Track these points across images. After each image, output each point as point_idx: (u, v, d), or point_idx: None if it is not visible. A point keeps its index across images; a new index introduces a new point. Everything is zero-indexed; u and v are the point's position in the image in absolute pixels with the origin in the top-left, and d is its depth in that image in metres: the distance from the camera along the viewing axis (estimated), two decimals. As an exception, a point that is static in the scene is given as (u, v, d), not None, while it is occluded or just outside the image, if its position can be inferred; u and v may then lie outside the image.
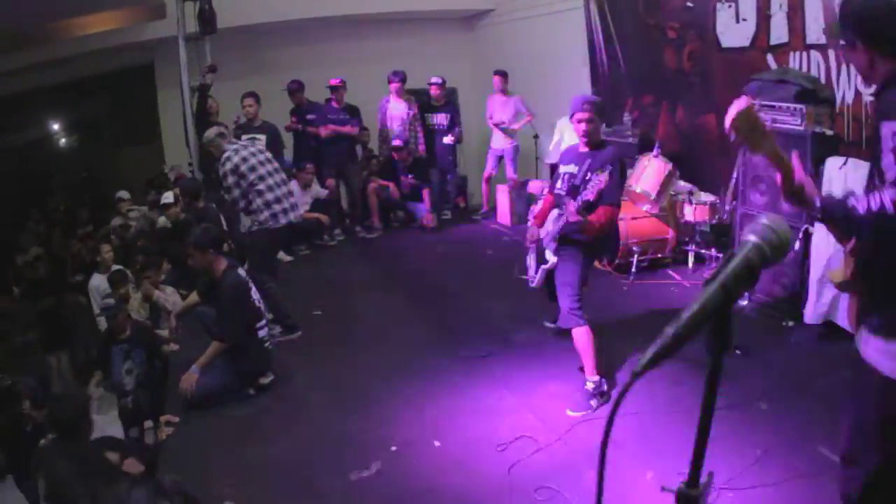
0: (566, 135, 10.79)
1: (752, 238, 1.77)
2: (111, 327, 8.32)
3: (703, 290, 1.73)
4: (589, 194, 5.77)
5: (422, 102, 13.64)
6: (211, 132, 8.44)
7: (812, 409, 5.77)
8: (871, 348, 3.06)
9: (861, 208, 2.72)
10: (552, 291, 6.58)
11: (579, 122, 6.27)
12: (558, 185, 6.43)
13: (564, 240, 6.24)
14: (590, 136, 6.27)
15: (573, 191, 6.15)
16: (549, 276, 6.51)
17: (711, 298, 1.71)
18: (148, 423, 7.97)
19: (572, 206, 5.84)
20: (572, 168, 6.33)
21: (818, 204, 2.88)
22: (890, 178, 2.71)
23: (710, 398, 1.87)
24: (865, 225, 2.74)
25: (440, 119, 13.48)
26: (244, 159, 8.13)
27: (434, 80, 13.42)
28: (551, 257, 6.34)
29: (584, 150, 6.34)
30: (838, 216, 2.87)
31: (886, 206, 2.66)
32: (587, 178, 6.04)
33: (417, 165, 13.22)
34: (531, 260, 6.90)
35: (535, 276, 6.77)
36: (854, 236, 3.05)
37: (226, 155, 8.16)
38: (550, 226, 6.41)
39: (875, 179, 2.95)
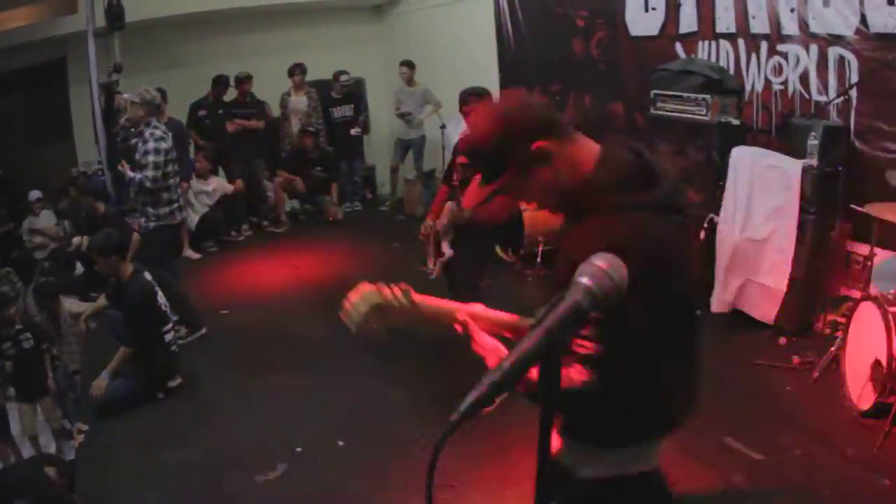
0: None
1: (585, 281, 1.68)
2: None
3: (527, 337, 1.70)
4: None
5: (324, 96, 13.72)
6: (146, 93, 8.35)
7: (718, 400, 5.81)
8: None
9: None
10: (451, 283, 6.62)
11: (468, 114, 6.31)
12: (454, 176, 6.47)
13: (460, 231, 6.28)
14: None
15: (465, 183, 6.14)
16: (447, 267, 6.54)
17: (534, 346, 1.67)
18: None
19: (466, 199, 5.87)
20: (465, 159, 6.34)
21: None
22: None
23: (544, 443, 1.85)
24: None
25: (344, 111, 13.58)
26: (170, 148, 8.22)
27: (342, 77, 13.60)
28: (447, 249, 6.38)
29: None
30: None
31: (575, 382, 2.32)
32: None
33: (324, 158, 13.25)
34: (429, 251, 6.93)
35: (433, 269, 6.80)
36: None
37: (157, 132, 8.16)
38: (445, 218, 6.43)
39: None
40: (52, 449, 9.16)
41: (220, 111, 12.59)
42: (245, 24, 15.03)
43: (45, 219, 12.89)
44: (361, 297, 2.69)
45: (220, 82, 12.73)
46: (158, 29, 13.97)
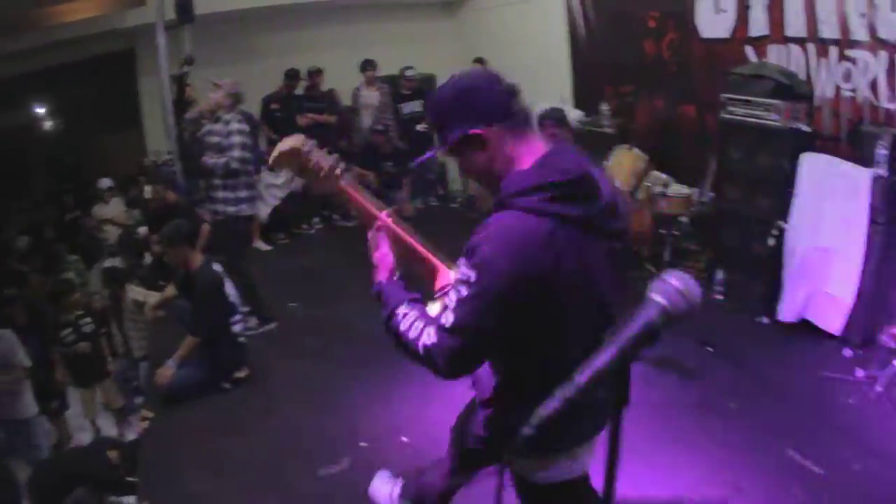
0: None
1: (659, 299, 1.74)
2: (6, 314, 8.80)
3: (600, 352, 1.71)
4: None
5: (394, 92, 13.68)
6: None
7: (783, 411, 5.77)
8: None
9: (404, 324, 2.71)
10: None
11: (545, 137, 6.27)
12: None
13: None
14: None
15: None
16: None
17: (607, 363, 1.70)
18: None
19: None
20: None
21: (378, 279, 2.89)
22: (441, 320, 2.61)
23: (614, 452, 1.86)
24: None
25: (414, 107, 13.50)
26: (249, 139, 8.40)
27: (407, 72, 13.54)
28: None
29: None
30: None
31: (430, 344, 2.60)
32: None
33: (396, 154, 13.17)
34: None
35: None
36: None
37: (238, 117, 8.34)
38: None
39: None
40: (113, 431, 9.33)
41: (292, 105, 12.60)
42: (315, 18, 15.06)
43: (115, 207, 13.01)
44: (290, 138, 2.94)
45: (292, 76, 12.73)
46: (228, 22, 14.04)
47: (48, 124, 19.45)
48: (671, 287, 1.72)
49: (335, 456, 5.83)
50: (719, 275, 8.04)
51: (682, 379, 6.36)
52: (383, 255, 2.88)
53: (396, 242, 3.06)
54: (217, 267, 7.25)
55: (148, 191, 10.26)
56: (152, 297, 8.73)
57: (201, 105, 8.34)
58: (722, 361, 6.57)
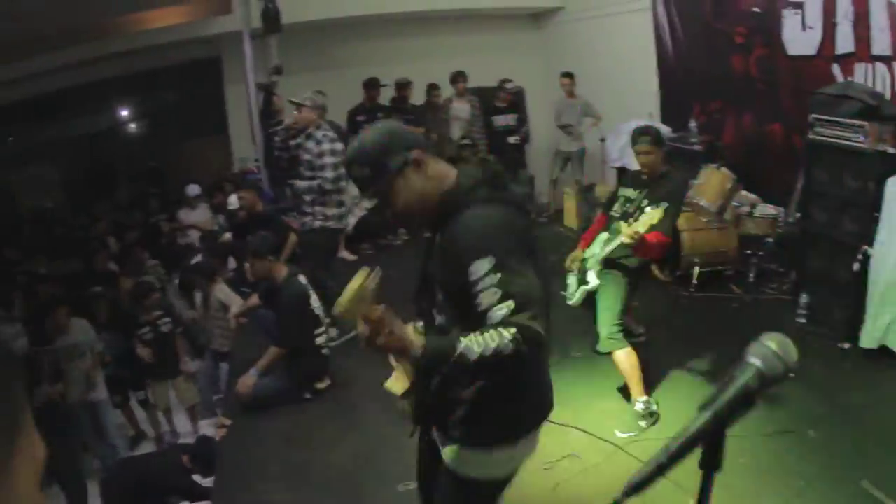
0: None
1: (755, 362, 1.72)
2: (91, 310, 9.20)
3: (696, 417, 1.70)
4: (640, 227, 5.68)
5: (487, 104, 13.61)
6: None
7: (860, 440, 5.62)
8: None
9: (476, 347, 2.65)
10: (595, 314, 6.52)
11: (639, 154, 6.22)
12: (615, 207, 6.37)
13: (610, 263, 6.17)
14: (651, 168, 6.20)
15: (625, 216, 6.05)
16: (591, 296, 6.41)
17: (702, 428, 1.69)
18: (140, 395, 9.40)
19: (628, 231, 5.76)
20: (631, 192, 6.26)
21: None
22: (498, 312, 2.72)
23: None
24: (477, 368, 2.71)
25: (508, 120, 13.42)
26: (342, 149, 8.16)
27: (508, 84, 13.43)
28: (593, 279, 6.25)
29: (644, 177, 6.28)
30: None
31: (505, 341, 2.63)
32: (643, 205, 5.97)
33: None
34: (571, 278, 6.79)
35: (573, 293, 6.67)
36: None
37: (330, 133, 8.31)
38: (598, 248, 6.30)
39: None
40: (187, 426, 9.51)
41: (379, 115, 12.61)
42: (401, 29, 15.13)
43: (201, 213, 13.16)
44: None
45: (371, 85, 12.68)
46: (315, 31, 14.16)
47: (134, 128, 19.74)
48: (768, 350, 1.71)
49: (414, 472, 5.83)
50: (803, 298, 7.90)
51: (763, 402, 6.26)
52: (399, 338, 2.76)
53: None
54: (303, 279, 7.29)
55: (234, 200, 10.34)
56: (236, 303, 8.82)
57: (289, 121, 8.35)
58: (802, 387, 6.45)
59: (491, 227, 2.86)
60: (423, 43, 15.24)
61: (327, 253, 8.59)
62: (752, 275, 8.86)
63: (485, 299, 2.72)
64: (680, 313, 8.61)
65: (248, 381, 7.11)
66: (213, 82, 15.71)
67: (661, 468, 1.70)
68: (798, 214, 8.37)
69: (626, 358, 6.14)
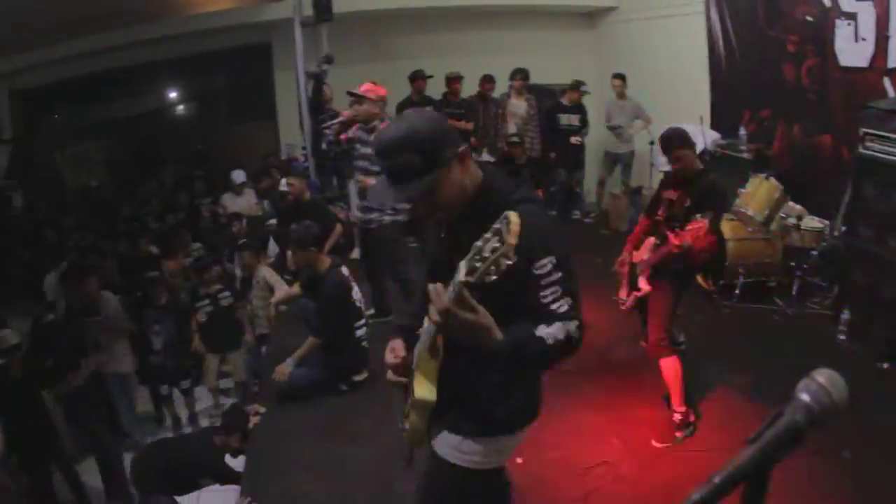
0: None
1: (804, 398, 1.64)
2: (148, 293, 9.18)
3: (740, 454, 1.67)
4: (688, 236, 5.64)
5: (553, 102, 13.62)
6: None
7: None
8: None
9: (550, 339, 2.74)
10: (645, 316, 6.50)
11: (670, 162, 6.19)
12: (659, 211, 6.33)
13: (659, 268, 6.14)
14: (684, 170, 6.16)
15: (671, 221, 6.03)
16: (642, 301, 6.40)
17: (747, 465, 1.65)
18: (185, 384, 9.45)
19: (676, 240, 5.73)
20: (672, 195, 6.21)
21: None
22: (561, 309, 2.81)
23: None
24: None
25: (572, 120, 13.30)
26: None
27: (582, 87, 13.33)
28: (644, 285, 6.24)
29: (682, 177, 6.24)
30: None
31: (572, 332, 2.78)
32: (686, 206, 5.93)
33: (530, 165, 13.00)
34: (624, 282, 6.78)
35: (625, 299, 6.66)
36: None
37: None
38: (646, 254, 6.28)
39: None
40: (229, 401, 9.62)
41: (427, 108, 12.54)
42: (452, 23, 15.12)
43: (246, 199, 13.18)
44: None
45: (417, 77, 12.63)
46: (367, 22, 14.20)
47: (182, 111, 19.84)
48: (818, 386, 1.67)
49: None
50: (845, 314, 7.81)
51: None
52: (478, 318, 2.67)
53: None
54: (345, 271, 7.29)
55: (283, 184, 10.36)
56: (279, 287, 8.87)
57: (349, 114, 8.09)
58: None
59: (547, 227, 2.93)
60: (474, 38, 15.25)
61: (394, 246, 8.44)
62: (795, 288, 8.78)
63: (551, 295, 2.80)
64: (722, 323, 8.56)
65: (284, 369, 7.12)
66: (262, 68, 15.79)
67: (703, 502, 1.68)
68: (843, 229, 8.30)
69: (671, 366, 6.11)
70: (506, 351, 2.74)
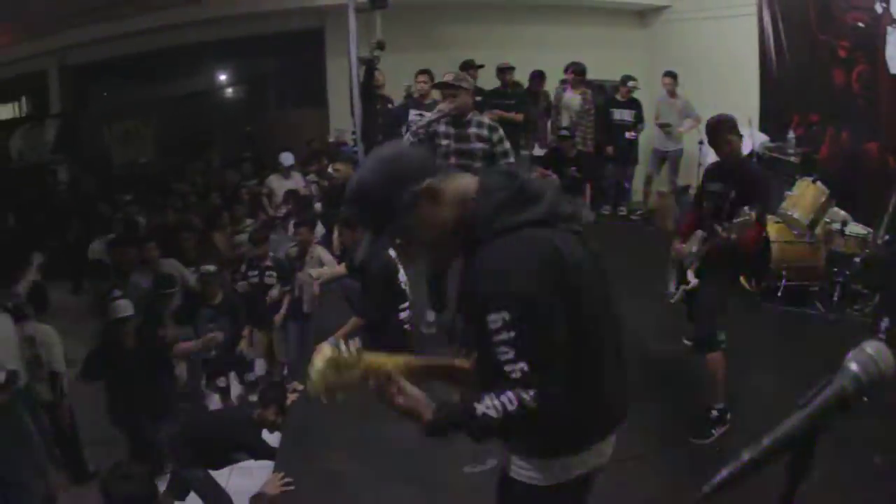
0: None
1: (853, 367, 1.72)
2: (204, 291, 9.13)
3: (790, 418, 1.71)
4: (734, 230, 5.65)
5: (607, 97, 13.67)
6: None
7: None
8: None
9: (493, 412, 2.56)
10: (691, 311, 6.52)
11: (717, 147, 6.21)
12: (704, 204, 6.35)
13: (708, 261, 6.16)
14: (730, 159, 6.19)
15: (717, 212, 6.06)
16: (689, 295, 6.42)
17: (796, 429, 1.70)
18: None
19: (723, 235, 5.74)
20: (717, 186, 6.23)
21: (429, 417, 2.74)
22: (513, 375, 2.55)
23: None
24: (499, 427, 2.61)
25: (624, 115, 13.29)
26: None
27: (630, 82, 13.31)
28: (692, 278, 6.26)
29: (726, 168, 6.27)
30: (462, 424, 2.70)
31: (526, 403, 2.53)
32: (731, 198, 5.96)
33: (581, 159, 12.90)
34: (672, 275, 6.80)
35: (673, 292, 6.68)
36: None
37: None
38: (695, 247, 6.30)
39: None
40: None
41: (478, 98, 12.49)
42: (504, 15, 15.19)
43: (294, 182, 13.23)
44: (319, 355, 2.74)
45: (468, 67, 12.45)
46: (420, 10, 14.25)
47: (232, 93, 19.97)
48: (866, 356, 1.72)
49: (484, 455, 5.84)
50: (884, 322, 7.78)
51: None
52: (415, 398, 2.80)
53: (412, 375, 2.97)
54: (392, 253, 7.34)
55: (331, 168, 10.41)
56: (330, 265, 8.94)
57: (447, 107, 7.56)
58: (874, 410, 6.36)
59: (510, 272, 2.59)
60: (525, 32, 15.30)
61: None
62: (836, 293, 8.75)
63: (499, 356, 2.56)
64: (762, 325, 8.54)
65: (326, 348, 7.10)
66: (314, 54, 15.88)
67: (752, 464, 1.72)
68: (887, 237, 8.27)
69: (718, 360, 6.10)
70: (441, 429, 2.72)
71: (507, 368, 2.54)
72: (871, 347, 1.74)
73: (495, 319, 2.53)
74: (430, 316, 8.00)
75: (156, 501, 4.71)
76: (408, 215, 2.69)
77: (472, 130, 7.28)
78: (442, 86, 7.44)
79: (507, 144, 7.35)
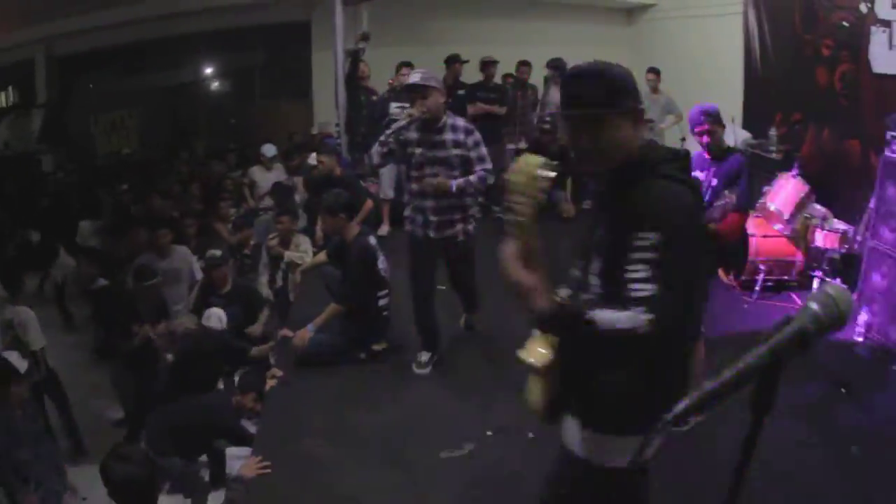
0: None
1: (814, 306, 1.77)
2: (212, 278, 8.96)
3: (751, 351, 1.75)
4: (716, 213, 5.71)
5: None
6: None
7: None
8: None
9: (605, 324, 2.62)
10: None
11: (700, 134, 6.26)
12: None
13: None
14: (711, 147, 6.25)
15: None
16: None
17: (757, 361, 1.74)
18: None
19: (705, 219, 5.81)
20: (699, 174, 6.29)
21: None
22: (639, 294, 2.61)
23: (745, 461, 1.89)
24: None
25: None
26: None
27: None
28: None
29: (709, 157, 6.32)
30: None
31: (639, 326, 2.57)
32: (712, 185, 6.02)
33: (562, 153, 12.91)
34: None
35: None
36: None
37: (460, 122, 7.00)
38: None
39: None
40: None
41: (460, 92, 12.49)
42: (490, 11, 15.25)
43: (276, 173, 13.21)
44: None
45: (454, 61, 12.54)
46: (406, 4, 14.27)
47: (218, 85, 19.97)
48: (827, 296, 1.76)
49: (460, 440, 5.88)
50: (862, 316, 7.85)
51: (808, 416, 6.20)
52: (535, 280, 2.75)
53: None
54: (372, 240, 7.36)
55: (313, 157, 10.41)
56: (307, 257, 8.98)
57: (417, 112, 6.92)
58: (849, 404, 6.42)
59: (670, 205, 2.73)
60: (511, 27, 15.37)
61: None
62: (814, 286, 8.78)
63: (632, 273, 2.63)
64: (740, 317, 8.57)
65: (303, 335, 7.17)
66: (300, 46, 15.90)
67: (712, 396, 1.75)
68: (867, 233, 8.32)
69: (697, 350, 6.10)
70: (550, 321, 2.76)
71: (634, 287, 2.61)
72: (832, 289, 1.79)
73: (644, 237, 2.62)
74: (424, 356, 7.28)
75: (156, 483, 4.72)
76: (617, 115, 2.84)
77: (448, 136, 6.63)
78: (409, 88, 6.77)
79: (484, 150, 6.74)
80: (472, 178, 6.62)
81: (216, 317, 8.05)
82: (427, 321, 7.23)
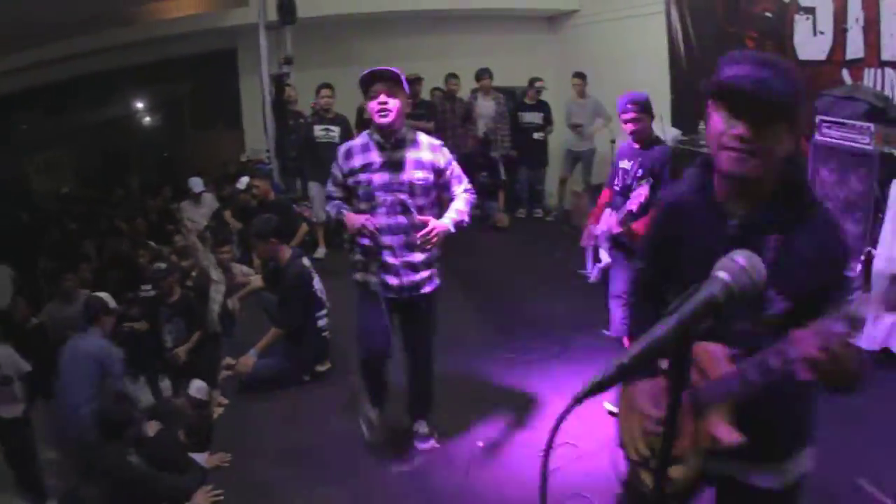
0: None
1: (723, 276, 1.74)
2: (160, 289, 8.72)
3: (659, 323, 1.73)
4: (632, 204, 5.75)
5: (517, 102, 13.82)
6: None
7: (859, 440, 5.59)
8: None
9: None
10: (609, 290, 6.59)
11: (626, 122, 6.30)
12: (615, 181, 6.44)
13: (617, 243, 6.23)
14: (638, 135, 6.28)
15: (626, 190, 6.18)
16: (606, 273, 6.49)
17: (667, 334, 1.71)
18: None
19: (614, 218, 5.85)
20: (626, 164, 6.37)
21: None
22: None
23: (670, 433, 1.87)
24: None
25: (533, 118, 13.51)
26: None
27: (537, 83, 13.51)
28: (605, 257, 6.34)
29: (636, 146, 6.36)
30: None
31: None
32: (637, 174, 6.06)
33: (490, 164, 13.13)
34: (589, 256, 6.86)
35: (592, 273, 6.75)
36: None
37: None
38: (604, 225, 6.38)
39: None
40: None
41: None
42: (414, 27, 15.24)
43: (206, 206, 13.07)
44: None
45: (412, 82, 12.54)
46: (331, 26, 14.28)
47: (148, 118, 19.88)
48: (736, 265, 1.74)
49: (408, 455, 5.89)
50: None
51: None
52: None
53: None
54: (306, 261, 7.33)
55: (242, 181, 10.36)
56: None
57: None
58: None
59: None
60: (436, 42, 15.38)
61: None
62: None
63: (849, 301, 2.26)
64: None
65: (247, 361, 7.19)
66: (227, 74, 15.84)
67: (623, 370, 1.72)
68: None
69: None
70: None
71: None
72: (741, 256, 1.76)
73: (854, 268, 2.51)
74: (373, 412, 6.19)
75: None
76: (789, 125, 2.40)
77: (409, 155, 5.54)
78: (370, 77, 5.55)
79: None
80: (463, 206, 5.62)
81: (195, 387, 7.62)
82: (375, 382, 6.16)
